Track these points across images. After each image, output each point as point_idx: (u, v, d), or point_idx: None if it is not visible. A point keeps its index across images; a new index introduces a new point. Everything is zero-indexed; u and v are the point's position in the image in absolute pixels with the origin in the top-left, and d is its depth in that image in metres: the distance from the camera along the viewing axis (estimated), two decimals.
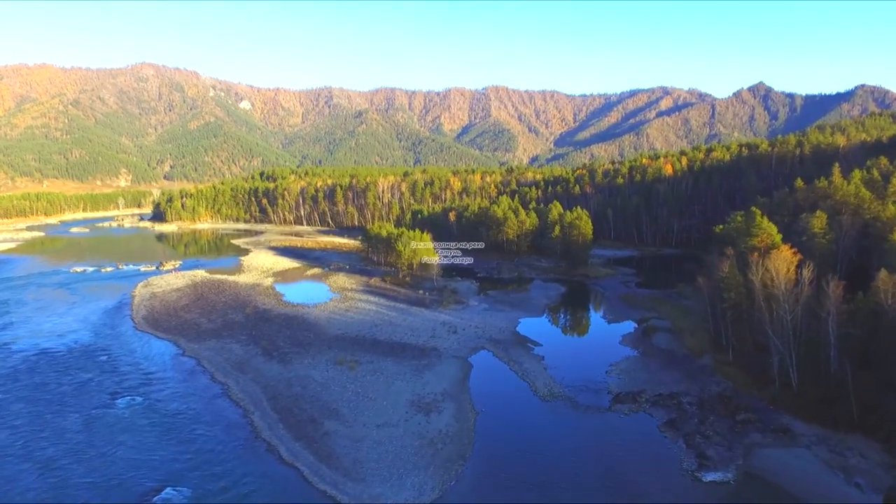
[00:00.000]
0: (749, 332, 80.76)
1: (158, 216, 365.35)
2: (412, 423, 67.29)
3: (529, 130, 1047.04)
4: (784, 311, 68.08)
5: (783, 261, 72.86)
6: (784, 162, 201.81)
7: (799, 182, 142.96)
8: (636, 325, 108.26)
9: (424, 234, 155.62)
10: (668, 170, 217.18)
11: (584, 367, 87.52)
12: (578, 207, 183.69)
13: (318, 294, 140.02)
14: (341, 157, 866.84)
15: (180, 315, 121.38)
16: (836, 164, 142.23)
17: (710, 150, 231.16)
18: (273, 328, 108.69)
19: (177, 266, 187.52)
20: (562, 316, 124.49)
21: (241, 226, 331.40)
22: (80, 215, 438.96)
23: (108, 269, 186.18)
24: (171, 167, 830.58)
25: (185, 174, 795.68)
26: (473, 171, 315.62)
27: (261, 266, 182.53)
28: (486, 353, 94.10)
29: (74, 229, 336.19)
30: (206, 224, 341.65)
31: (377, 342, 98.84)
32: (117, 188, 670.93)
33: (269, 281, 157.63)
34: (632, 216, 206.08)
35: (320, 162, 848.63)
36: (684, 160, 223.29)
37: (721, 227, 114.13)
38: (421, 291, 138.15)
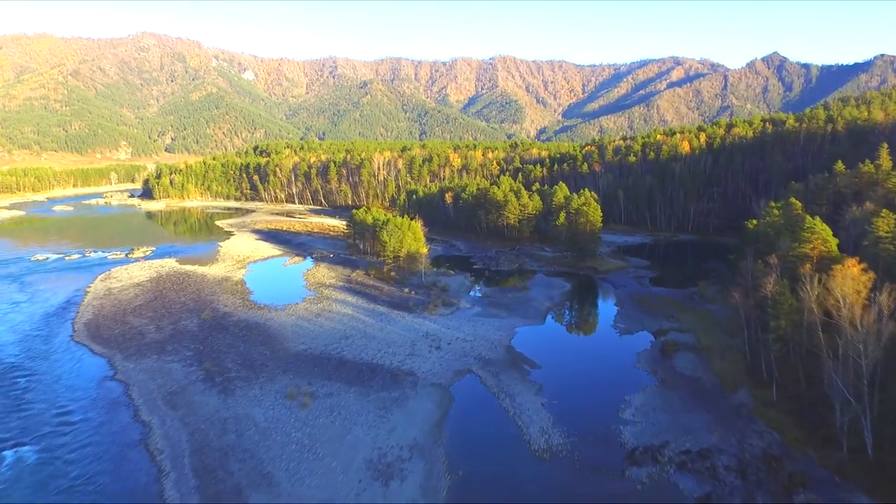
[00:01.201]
0: (799, 361, 64.23)
1: (147, 193, 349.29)
2: (364, 499, 51.52)
3: (537, 101, 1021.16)
4: (857, 354, 51.36)
5: (850, 281, 55.97)
6: (813, 139, 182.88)
7: (839, 165, 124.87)
8: (653, 339, 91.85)
9: (413, 221, 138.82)
10: (685, 147, 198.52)
11: (590, 400, 71.51)
12: (586, 190, 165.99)
13: (290, 292, 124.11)
14: (345, 129, 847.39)
15: (128, 320, 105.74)
16: (885, 145, 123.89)
17: (730, 126, 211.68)
18: (227, 341, 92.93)
19: (147, 254, 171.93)
20: (565, 323, 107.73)
21: (232, 204, 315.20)
22: (70, 191, 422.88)
23: (74, 256, 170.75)
24: (172, 139, 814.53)
25: (187, 146, 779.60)
26: (475, 147, 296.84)
27: (237, 254, 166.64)
28: (472, 379, 78.11)
29: (58, 207, 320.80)
30: (195, 202, 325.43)
31: (344, 363, 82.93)
32: (117, 161, 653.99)
33: (240, 274, 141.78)
34: (645, 198, 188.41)
35: (324, 134, 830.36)
36: (702, 137, 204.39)
37: (755, 221, 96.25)
38: (406, 290, 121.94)
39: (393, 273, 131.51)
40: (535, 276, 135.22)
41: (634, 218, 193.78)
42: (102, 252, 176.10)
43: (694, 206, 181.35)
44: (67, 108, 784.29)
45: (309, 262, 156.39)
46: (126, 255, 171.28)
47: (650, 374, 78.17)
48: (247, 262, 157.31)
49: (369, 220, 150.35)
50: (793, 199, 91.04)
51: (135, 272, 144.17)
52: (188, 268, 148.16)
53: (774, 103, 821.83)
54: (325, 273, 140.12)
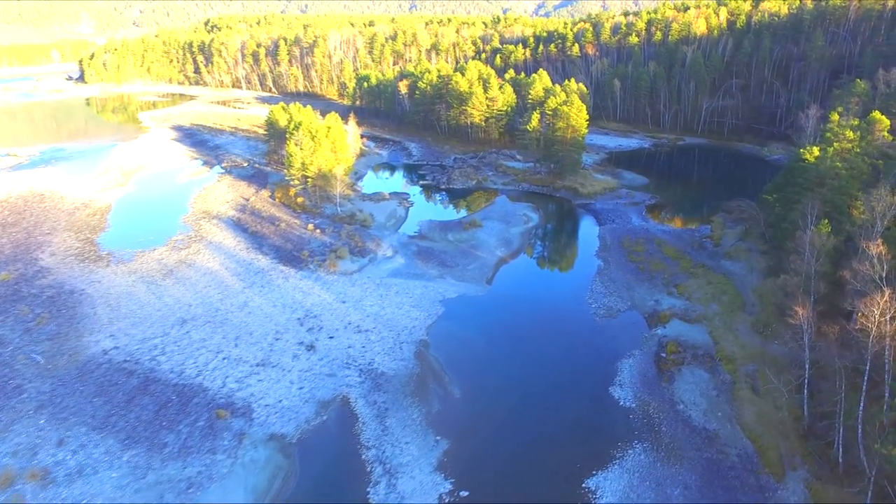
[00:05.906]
0: None
1: (81, 76, 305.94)
2: None
3: None
4: None
5: None
6: (867, 19, 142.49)
7: None
8: (647, 329, 60.48)
9: (334, 126, 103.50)
10: (701, 27, 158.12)
11: (529, 490, 40.97)
12: (572, 80, 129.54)
13: (161, 226, 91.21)
14: (330, 1, 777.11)
15: None
16: None
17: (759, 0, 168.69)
18: (1, 330, 61.35)
19: (22, 162, 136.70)
20: (518, 291, 73.49)
21: (174, 88, 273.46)
22: (4, 72, 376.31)
23: None
24: (140, 12, 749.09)
25: (157, 20, 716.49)
26: (447, 22, 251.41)
27: (131, 162, 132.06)
28: (341, 420, 47.41)
29: None
30: (134, 86, 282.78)
31: (149, 384, 51.70)
32: (77, 38, 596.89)
33: (112, 196, 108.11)
34: (646, 90, 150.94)
35: (306, 7, 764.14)
36: (723, 13, 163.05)
37: (815, 150, 60.65)
38: (311, 225, 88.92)
39: (300, 199, 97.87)
40: (494, 201, 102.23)
41: (633, 114, 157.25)
42: None
43: (706, 102, 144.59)
44: None
45: (214, 174, 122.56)
46: None
47: (637, 416, 47.30)
48: (135, 174, 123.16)
49: (282, 121, 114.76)
50: (877, 114, 56.77)
51: None
52: (50, 186, 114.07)
53: None
54: (223, 194, 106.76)
